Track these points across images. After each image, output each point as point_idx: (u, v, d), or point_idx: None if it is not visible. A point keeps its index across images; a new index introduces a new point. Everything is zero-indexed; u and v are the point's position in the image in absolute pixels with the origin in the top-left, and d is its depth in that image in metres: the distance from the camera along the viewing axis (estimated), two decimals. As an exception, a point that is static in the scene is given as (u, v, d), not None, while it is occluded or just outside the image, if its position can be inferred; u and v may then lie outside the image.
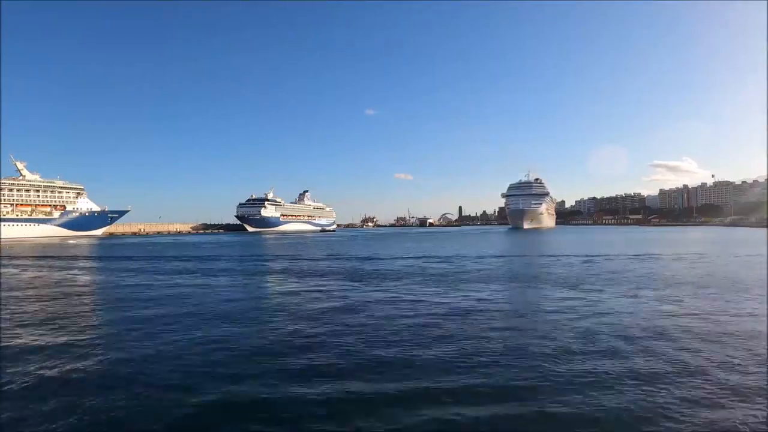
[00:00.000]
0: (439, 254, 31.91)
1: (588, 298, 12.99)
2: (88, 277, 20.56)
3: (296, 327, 9.65)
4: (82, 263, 28.48)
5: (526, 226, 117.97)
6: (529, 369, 6.66)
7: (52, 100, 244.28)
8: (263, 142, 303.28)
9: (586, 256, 28.09)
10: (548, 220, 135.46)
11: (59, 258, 32.54)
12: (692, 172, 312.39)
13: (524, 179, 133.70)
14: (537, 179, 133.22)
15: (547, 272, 19.91)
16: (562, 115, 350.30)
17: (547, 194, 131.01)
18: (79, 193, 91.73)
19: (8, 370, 6.74)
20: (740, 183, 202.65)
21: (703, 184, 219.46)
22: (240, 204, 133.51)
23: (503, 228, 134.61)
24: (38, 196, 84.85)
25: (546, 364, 6.84)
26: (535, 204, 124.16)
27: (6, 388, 6.07)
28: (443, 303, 12.41)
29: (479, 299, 12.95)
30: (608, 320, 9.92)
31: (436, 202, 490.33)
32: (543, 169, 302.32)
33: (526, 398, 5.61)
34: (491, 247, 42.92)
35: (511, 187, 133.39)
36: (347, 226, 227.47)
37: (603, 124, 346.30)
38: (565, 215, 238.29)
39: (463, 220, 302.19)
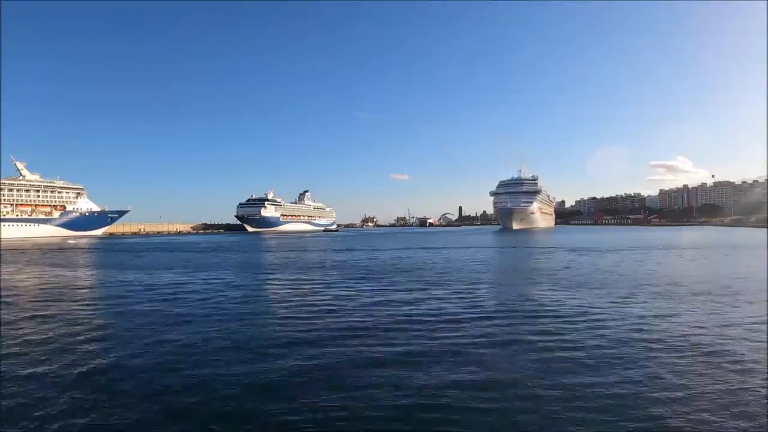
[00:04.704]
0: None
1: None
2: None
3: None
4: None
5: (515, 226, 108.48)
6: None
7: (52, 100, 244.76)
8: (263, 143, 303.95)
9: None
10: (542, 221, 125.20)
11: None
12: (688, 172, 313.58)
13: (516, 176, 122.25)
14: (532, 176, 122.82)
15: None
16: (563, 115, 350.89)
17: (539, 192, 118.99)
18: (79, 193, 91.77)
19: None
20: (740, 183, 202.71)
21: (703, 185, 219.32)
22: (240, 204, 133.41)
23: (497, 228, 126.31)
24: (38, 196, 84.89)
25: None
26: (525, 203, 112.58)
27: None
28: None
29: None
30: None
31: (437, 202, 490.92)
32: (544, 169, 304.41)
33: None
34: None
35: (500, 185, 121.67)
36: (347, 226, 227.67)
37: (603, 125, 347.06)
38: (565, 215, 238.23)
39: (463, 220, 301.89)
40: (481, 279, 17.66)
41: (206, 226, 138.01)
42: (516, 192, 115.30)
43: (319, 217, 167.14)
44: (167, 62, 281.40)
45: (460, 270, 21.00)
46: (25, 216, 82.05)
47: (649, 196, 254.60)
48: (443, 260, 26.89)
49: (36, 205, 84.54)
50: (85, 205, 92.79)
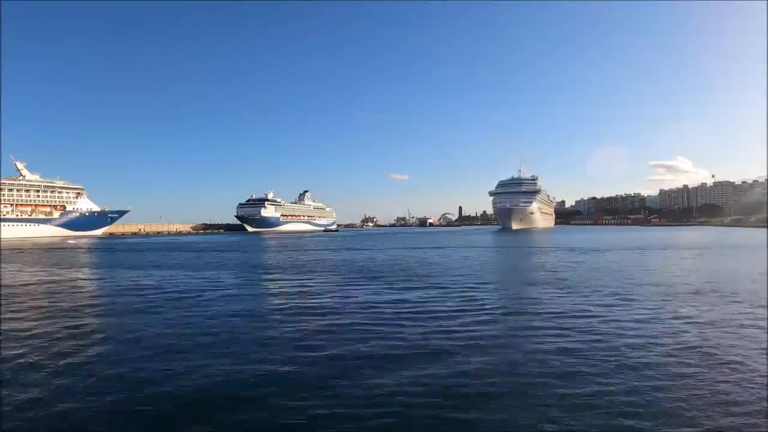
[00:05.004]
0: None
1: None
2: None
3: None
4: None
5: (515, 226, 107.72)
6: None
7: (52, 100, 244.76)
8: (263, 143, 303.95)
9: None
10: (542, 221, 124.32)
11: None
12: (688, 172, 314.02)
13: (515, 176, 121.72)
14: (532, 176, 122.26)
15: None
16: (563, 115, 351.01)
17: (538, 192, 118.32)
18: (79, 193, 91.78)
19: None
20: (740, 183, 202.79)
21: (703, 185, 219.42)
22: (240, 204, 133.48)
23: (496, 228, 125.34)
24: (38, 196, 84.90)
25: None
26: (525, 203, 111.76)
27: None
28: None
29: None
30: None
31: (437, 202, 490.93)
32: (544, 169, 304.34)
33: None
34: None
35: (499, 185, 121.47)
36: (347, 226, 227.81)
37: (603, 125, 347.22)
38: (565, 215, 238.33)
39: (463, 220, 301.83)
40: (483, 279, 17.67)
41: (206, 226, 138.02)
42: (515, 192, 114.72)
43: (319, 217, 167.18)
44: (167, 62, 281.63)
45: (461, 270, 21.06)
46: (25, 216, 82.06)
47: (649, 196, 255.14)
48: (443, 260, 26.96)
49: (36, 205, 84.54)
50: (85, 205, 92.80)
